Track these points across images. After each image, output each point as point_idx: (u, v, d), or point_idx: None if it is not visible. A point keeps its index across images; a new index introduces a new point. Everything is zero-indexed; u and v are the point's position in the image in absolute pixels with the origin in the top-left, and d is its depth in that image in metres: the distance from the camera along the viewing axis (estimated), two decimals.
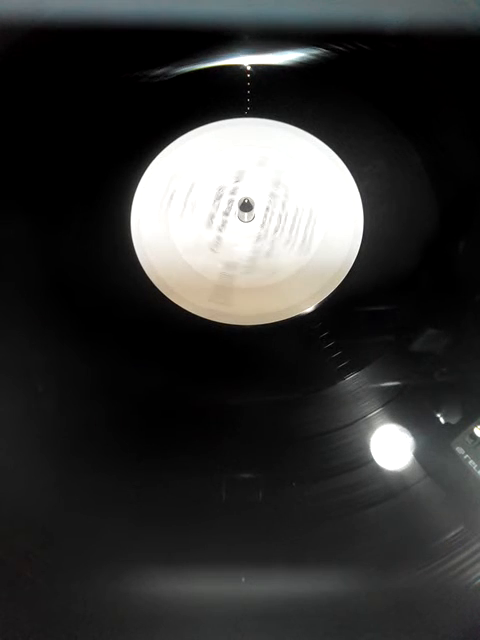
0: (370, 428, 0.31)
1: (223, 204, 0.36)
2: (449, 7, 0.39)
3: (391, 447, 0.30)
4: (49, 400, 0.32)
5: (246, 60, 0.39)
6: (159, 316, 0.34)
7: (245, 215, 0.35)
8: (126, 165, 0.37)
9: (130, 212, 0.36)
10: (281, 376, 0.33)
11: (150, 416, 0.32)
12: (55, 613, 0.27)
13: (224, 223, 0.36)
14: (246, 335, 0.33)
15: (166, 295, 0.34)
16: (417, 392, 0.32)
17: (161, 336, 0.34)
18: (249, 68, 0.39)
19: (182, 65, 0.39)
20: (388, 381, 0.32)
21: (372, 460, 0.30)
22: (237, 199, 0.35)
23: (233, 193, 0.36)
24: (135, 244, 0.35)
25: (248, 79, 0.39)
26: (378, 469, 0.30)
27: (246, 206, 0.34)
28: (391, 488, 0.29)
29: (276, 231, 0.35)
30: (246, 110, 0.38)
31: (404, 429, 0.31)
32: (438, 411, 0.31)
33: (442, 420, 0.30)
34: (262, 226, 0.35)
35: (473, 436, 0.29)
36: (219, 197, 0.36)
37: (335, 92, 0.38)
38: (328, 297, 0.34)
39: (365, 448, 0.30)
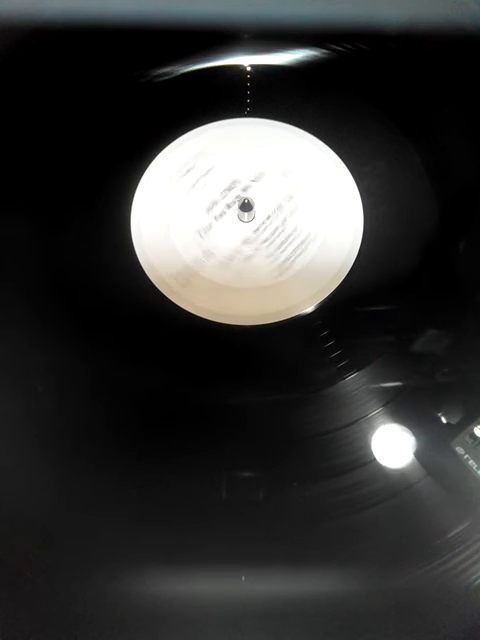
0: (370, 428, 0.31)
1: (230, 196, 0.36)
2: (449, 7, 0.39)
3: (391, 447, 0.30)
4: (49, 400, 0.32)
5: (246, 60, 0.39)
6: (159, 316, 0.34)
7: (245, 215, 0.35)
8: (126, 165, 0.37)
9: (130, 212, 0.36)
10: (281, 376, 0.33)
11: (150, 416, 0.32)
12: (55, 613, 0.27)
13: (222, 214, 0.36)
14: (246, 335, 0.33)
15: (166, 295, 0.34)
16: (417, 392, 0.32)
17: (161, 336, 0.34)
18: (249, 68, 0.39)
19: (182, 65, 0.39)
20: (388, 381, 0.32)
21: (372, 460, 0.30)
22: (243, 197, 0.35)
23: (244, 190, 0.36)
24: (135, 244, 0.35)
25: (248, 79, 0.39)
26: (378, 469, 0.30)
27: (246, 206, 0.34)
28: (391, 488, 0.29)
29: (265, 241, 0.35)
30: (246, 110, 0.38)
31: (404, 429, 0.31)
32: (438, 411, 0.31)
33: (442, 420, 0.30)
34: (255, 231, 0.35)
35: (473, 436, 0.29)
36: (230, 189, 0.36)
37: (335, 92, 0.38)
38: (328, 297, 0.34)
39: (365, 448, 0.30)
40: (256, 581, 0.28)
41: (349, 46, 0.39)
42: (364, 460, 0.30)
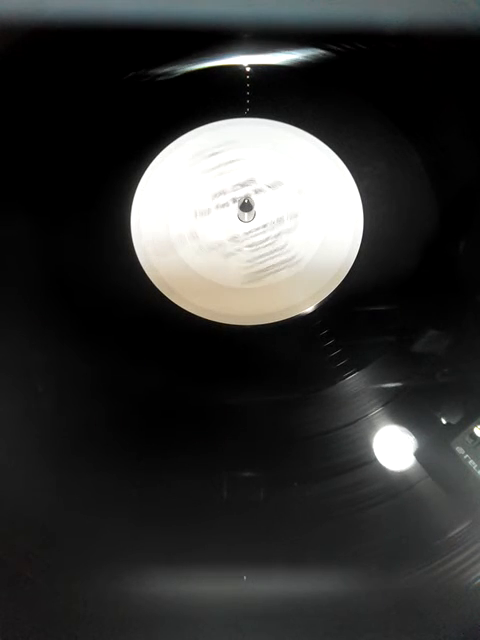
0: (370, 428, 0.31)
1: (240, 193, 0.36)
2: (449, 7, 0.39)
3: (391, 447, 0.30)
4: (49, 400, 0.32)
5: (246, 60, 0.39)
6: (159, 316, 0.34)
7: (245, 215, 0.35)
8: (126, 165, 0.37)
9: (130, 212, 0.36)
10: (281, 376, 0.33)
11: (150, 416, 0.32)
12: (55, 613, 0.27)
13: (225, 205, 0.36)
14: (246, 335, 0.33)
15: (166, 295, 0.34)
16: (417, 392, 0.32)
17: (161, 336, 0.34)
18: (249, 68, 0.39)
19: (182, 65, 0.39)
20: (388, 381, 0.32)
21: (372, 460, 0.30)
22: (249, 197, 0.35)
23: (256, 192, 0.36)
24: (135, 244, 0.35)
25: (248, 79, 0.39)
26: (378, 469, 0.30)
27: (246, 206, 0.34)
28: (391, 488, 0.29)
29: (251, 246, 0.35)
30: (246, 110, 0.38)
31: (404, 429, 0.31)
32: (438, 411, 0.31)
33: (442, 420, 0.30)
34: (246, 233, 0.35)
35: (473, 436, 0.29)
36: (243, 185, 0.36)
37: (335, 92, 0.38)
38: (328, 297, 0.34)
39: (365, 448, 0.30)
40: (256, 581, 0.28)
41: (349, 46, 0.39)
42: (364, 460, 0.30)
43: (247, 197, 0.34)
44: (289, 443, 0.31)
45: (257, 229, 0.35)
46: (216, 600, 0.28)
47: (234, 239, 0.35)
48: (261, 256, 0.35)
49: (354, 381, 0.32)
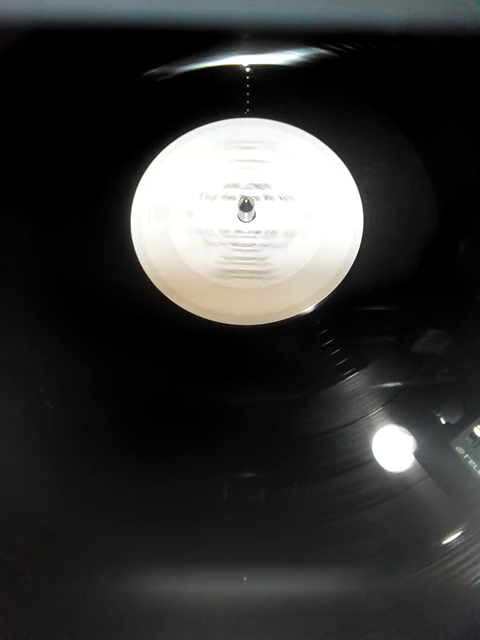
0: (370, 428, 0.31)
1: (250, 192, 0.36)
2: (449, 7, 0.39)
3: (391, 447, 0.30)
4: (49, 400, 0.32)
5: (246, 60, 0.39)
6: (159, 316, 0.34)
7: (245, 215, 0.35)
8: (126, 165, 0.37)
9: (130, 212, 0.36)
10: (281, 376, 0.33)
11: (150, 416, 0.32)
12: (55, 613, 0.27)
13: (231, 198, 0.36)
14: (246, 335, 0.33)
15: (166, 295, 0.34)
16: (417, 392, 0.32)
17: (161, 336, 0.34)
18: (249, 68, 0.39)
19: (182, 65, 0.39)
20: (388, 381, 0.32)
21: (372, 460, 0.30)
22: (256, 201, 0.36)
23: (266, 198, 0.36)
24: (135, 244, 0.35)
25: (248, 79, 0.39)
26: (378, 469, 0.30)
27: (246, 206, 0.34)
28: (391, 488, 0.29)
29: (234, 245, 0.35)
30: (246, 110, 0.38)
31: (404, 429, 0.31)
32: (438, 411, 0.31)
33: (442, 420, 0.30)
34: (237, 231, 0.35)
35: (473, 436, 0.29)
36: (257, 187, 0.36)
37: (335, 92, 0.38)
38: (328, 297, 0.34)
39: (365, 448, 0.30)
40: (256, 581, 0.28)
41: (349, 46, 0.39)
42: (364, 460, 0.30)
43: (247, 197, 0.34)
44: (289, 443, 0.31)
45: (249, 232, 0.35)
46: (216, 600, 0.28)
47: (223, 232, 0.35)
48: (238, 258, 0.35)
49: (354, 381, 0.32)
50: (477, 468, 0.29)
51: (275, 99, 0.38)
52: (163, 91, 0.39)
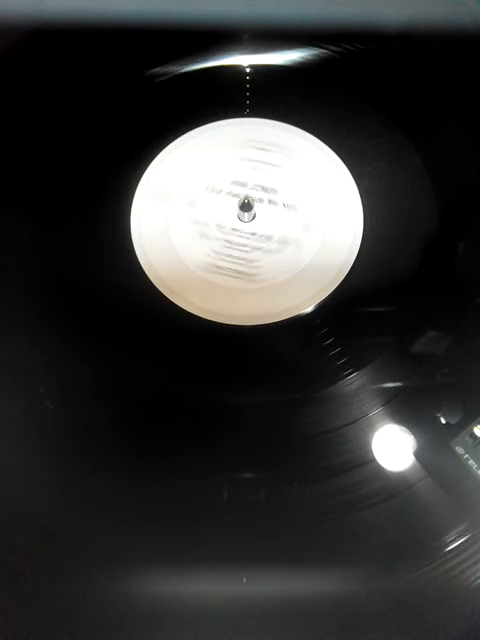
0: (370, 428, 0.31)
1: (255, 193, 0.36)
2: (449, 7, 0.39)
3: (391, 447, 0.30)
4: (49, 400, 0.32)
5: (246, 60, 0.39)
6: (159, 316, 0.34)
7: (245, 215, 0.35)
8: (126, 165, 0.37)
9: (130, 212, 0.36)
10: (281, 376, 0.33)
11: (150, 416, 0.32)
12: (55, 613, 0.27)
13: (235, 195, 0.36)
14: (246, 335, 0.33)
15: (166, 295, 0.34)
16: (417, 392, 0.32)
17: (161, 336, 0.34)
18: (249, 68, 0.39)
19: (182, 65, 0.39)
20: (388, 381, 0.32)
21: (372, 460, 0.30)
22: (260, 204, 0.35)
23: (270, 202, 0.36)
24: (135, 244, 0.35)
25: (248, 79, 0.39)
26: (378, 469, 0.30)
27: (246, 206, 0.34)
28: (391, 488, 0.29)
29: (227, 242, 0.35)
30: (246, 110, 0.38)
31: (404, 429, 0.31)
32: (438, 411, 0.31)
33: (442, 420, 0.30)
34: (233, 229, 0.35)
35: (473, 436, 0.29)
36: (263, 189, 0.36)
37: (335, 92, 0.38)
38: (328, 297, 0.34)
39: (365, 448, 0.30)
40: (256, 581, 0.28)
41: (349, 46, 0.39)
42: (364, 460, 0.30)
43: (248, 197, 0.34)
44: (289, 443, 0.31)
45: (244, 232, 0.35)
46: (216, 600, 0.28)
47: (220, 227, 0.35)
48: (228, 256, 0.35)
49: (354, 381, 0.32)
50: (477, 468, 0.29)
51: (275, 99, 0.38)
52: (163, 91, 0.39)
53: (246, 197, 0.34)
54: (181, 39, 0.39)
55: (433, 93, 0.39)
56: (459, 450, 0.29)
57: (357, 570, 0.28)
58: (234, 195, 0.36)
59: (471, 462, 0.29)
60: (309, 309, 0.34)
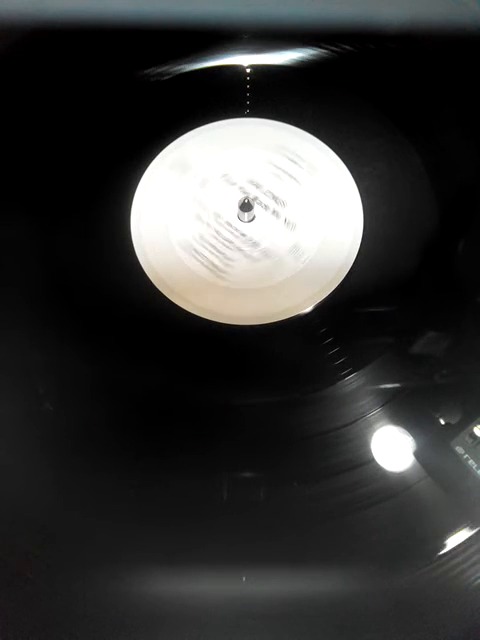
0: (370, 428, 0.31)
1: (264, 199, 0.36)
2: (449, 7, 0.39)
3: (391, 447, 0.30)
4: (49, 400, 0.32)
5: (246, 60, 0.39)
6: (159, 316, 0.34)
7: (245, 215, 0.35)
8: (126, 165, 0.37)
9: (130, 212, 0.36)
10: (281, 376, 0.33)
11: (150, 416, 0.32)
12: (55, 613, 0.27)
13: (246, 193, 0.36)
14: (245, 335, 0.33)
15: (166, 295, 0.34)
16: (417, 392, 0.32)
17: (161, 336, 0.34)
18: (249, 68, 0.39)
19: (182, 65, 0.39)
20: (387, 381, 0.32)
21: (372, 460, 0.30)
22: (265, 211, 0.35)
23: (273, 213, 0.36)
24: (135, 244, 0.35)
25: (248, 79, 0.39)
26: (378, 469, 0.30)
27: (245, 206, 0.34)
28: (391, 488, 0.29)
29: (216, 231, 0.35)
30: (246, 110, 0.38)
31: (404, 429, 0.31)
32: (438, 411, 0.31)
33: (442, 420, 0.30)
34: (227, 222, 0.35)
35: (473, 435, 0.29)
36: (274, 199, 0.36)
37: (335, 92, 0.38)
38: (328, 297, 0.34)
39: (365, 448, 0.30)
40: (256, 581, 0.28)
41: (349, 46, 0.39)
42: (364, 460, 0.30)
43: (248, 198, 0.34)
44: (289, 443, 0.31)
45: (236, 230, 0.35)
46: (216, 600, 0.28)
47: (216, 216, 0.35)
48: (210, 245, 0.35)
49: (353, 381, 0.32)
50: (477, 468, 0.29)
51: (275, 99, 0.38)
52: (163, 91, 0.39)
53: (247, 197, 0.34)
54: (181, 39, 0.39)
55: (433, 93, 0.39)
56: (459, 450, 0.29)
57: (357, 570, 0.28)
58: (245, 192, 0.36)
59: (471, 462, 0.29)
60: (309, 309, 0.34)
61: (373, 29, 0.39)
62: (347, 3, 0.38)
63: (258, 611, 0.27)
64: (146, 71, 0.39)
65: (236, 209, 0.35)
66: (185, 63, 0.39)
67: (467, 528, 0.28)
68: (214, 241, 0.35)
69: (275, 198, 0.36)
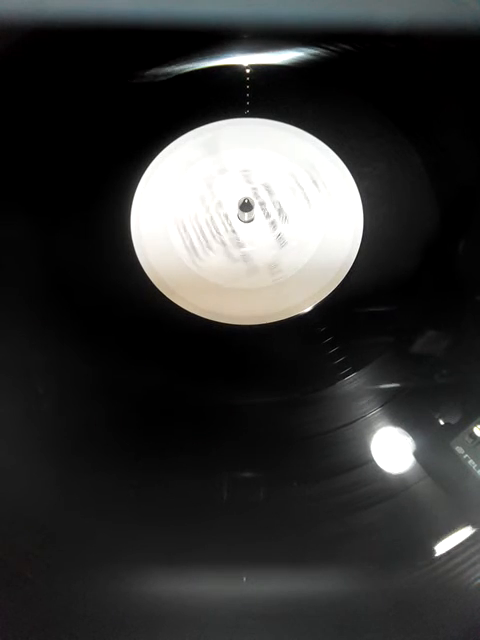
0: (370, 428, 0.31)
1: (269, 206, 0.36)
2: (449, 7, 0.39)
3: (391, 447, 0.30)
4: (49, 400, 0.32)
5: (246, 60, 0.39)
6: (159, 316, 0.34)
7: (245, 215, 0.35)
8: (126, 165, 0.37)
9: (130, 212, 0.36)
10: (280, 376, 0.33)
11: (150, 416, 0.32)
12: (55, 613, 0.27)
13: (255, 190, 0.36)
14: (245, 335, 0.33)
15: (166, 295, 0.34)
16: (416, 392, 0.32)
17: (161, 336, 0.34)
18: (249, 68, 0.39)
19: (182, 65, 0.39)
20: (387, 381, 0.32)
21: (372, 460, 0.30)
22: (266, 219, 0.35)
23: (272, 223, 0.35)
24: (135, 244, 0.35)
25: (248, 79, 0.39)
26: (378, 469, 0.30)
27: (245, 206, 0.34)
28: (391, 488, 0.29)
29: (210, 219, 0.35)
30: (246, 110, 0.38)
31: (404, 429, 0.31)
32: (438, 411, 0.31)
33: (442, 420, 0.30)
34: (225, 214, 0.36)
35: (473, 436, 0.29)
36: (276, 207, 0.36)
37: (335, 92, 0.38)
38: (328, 297, 0.34)
39: (365, 448, 0.30)
40: (256, 581, 0.28)
41: (349, 46, 0.39)
42: (364, 460, 0.30)
43: (250, 199, 0.34)
44: (288, 443, 0.31)
45: (230, 225, 0.35)
46: (216, 600, 0.28)
47: (218, 205, 0.36)
48: (199, 227, 0.35)
49: (353, 381, 0.32)
50: (477, 468, 0.29)
51: (275, 99, 0.38)
52: (163, 91, 0.39)
53: (248, 198, 0.34)
54: (181, 39, 0.39)
55: (433, 93, 0.39)
56: (459, 450, 0.29)
57: (357, 570, 0.28)
58: (255, 195, 0.36)
59: (471, 462, 0.29)
60: (308, 309, 0.34)
61: (373, 29, 0.39)
62: (347, 3, 0.38)
63: (258, 611, 0.27)
64: (146, 71, 0.39)
65: (230, 208, 0.35)
66: (185, 63, 0.39)
67: (467, 528, 0.28)
68: (204, 226, 0.35)
69: (280, 211, 0.36)
